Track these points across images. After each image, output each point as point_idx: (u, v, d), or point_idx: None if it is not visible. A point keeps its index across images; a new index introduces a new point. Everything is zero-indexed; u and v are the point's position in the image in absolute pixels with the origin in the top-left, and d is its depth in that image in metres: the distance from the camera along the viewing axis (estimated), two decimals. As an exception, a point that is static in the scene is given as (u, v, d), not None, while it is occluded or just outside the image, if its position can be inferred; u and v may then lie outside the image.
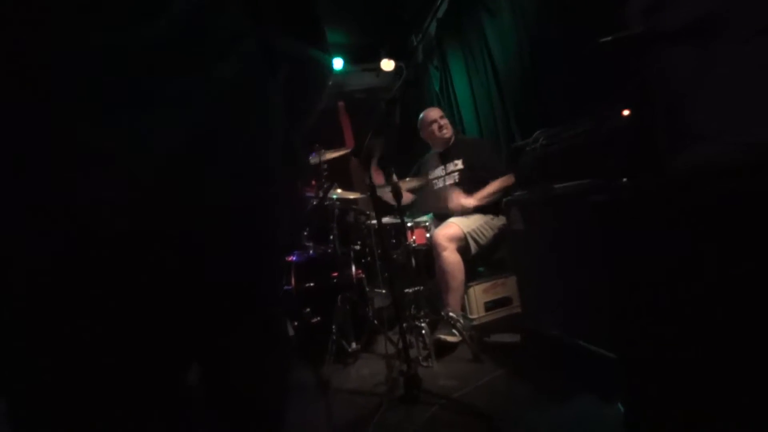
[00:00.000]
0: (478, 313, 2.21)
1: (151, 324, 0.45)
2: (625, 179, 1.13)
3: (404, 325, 1.58)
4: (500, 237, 2.18)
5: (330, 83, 0.73)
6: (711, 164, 0.67)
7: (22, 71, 0.35)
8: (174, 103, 0.40)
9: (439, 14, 3.26)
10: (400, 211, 1.77)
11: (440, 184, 2.40)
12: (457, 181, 2.31)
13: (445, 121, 2.38)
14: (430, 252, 2.14)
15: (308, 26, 0.62)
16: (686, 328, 0.84)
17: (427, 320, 1.89)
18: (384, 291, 2.30)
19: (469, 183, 2.24)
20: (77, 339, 0.41)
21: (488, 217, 2.17)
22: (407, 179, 2.12)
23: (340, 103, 4.35)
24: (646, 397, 0.97)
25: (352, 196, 2.40)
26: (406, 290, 1.96)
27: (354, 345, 1.96)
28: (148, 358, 0.47)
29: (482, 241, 2.13)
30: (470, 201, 2.16)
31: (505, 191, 2.14)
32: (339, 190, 2.32)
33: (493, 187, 2.18)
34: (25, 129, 0.35)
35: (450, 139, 2.38)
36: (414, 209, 2.57)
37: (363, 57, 4.05)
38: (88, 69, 0.36)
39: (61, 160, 0.36)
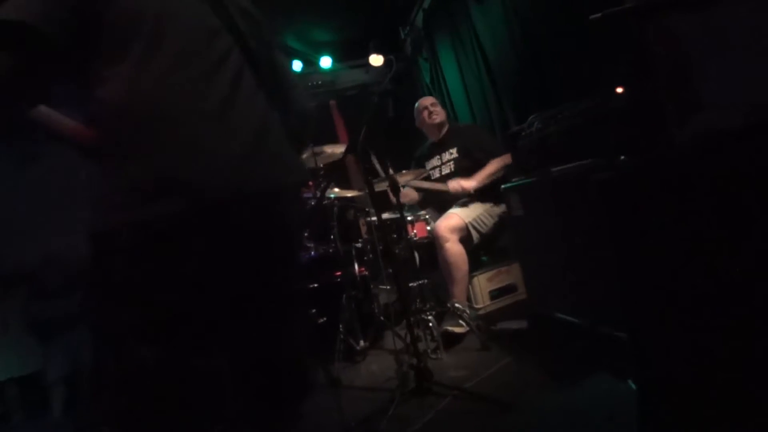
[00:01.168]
0: (483, 302, 2.21)
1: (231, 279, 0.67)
2: (623, 156, 1.12)
3: (411, 318, 1.58)
4: (501, 225, 2.17)
5: (314, 77, 0.95)
6: (721, 130, 0.66)
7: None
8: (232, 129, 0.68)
9: (425, 5, 3.24)
10: (399, 205, 1.76)
11: (437, 174, 2.39)
12: (453, 170, 2.30)
13: (436, 108, 2.37)
14: (431, 245, 2.13)
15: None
16: (697, 303, 0.84)
17: (433, 312, 1.89)
18: (388, 287, 2.29)
19: (465, 170, 2.23)
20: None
21: (488, 206, 2.16)
22: (404, 172, 2.11)
23: (332, 102, 4.33)
24: (657, 373, 0.97)
25: (350, 193, 2.39)
26: (411, 284, 1.96)
27: (362, 342, 1.96)
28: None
29: (483, 229, 2.12)
30: (471, 183, 2.14)
31: (504, 170, 2.13)
32: (337, 189, 2.30)
33: (491, 167, 2.17)
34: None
35: (443, 126, 2.36)
36: (417, 205, 2.56)
37: (352, 54, 4.02)
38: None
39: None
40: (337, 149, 2.04)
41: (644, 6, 0.73)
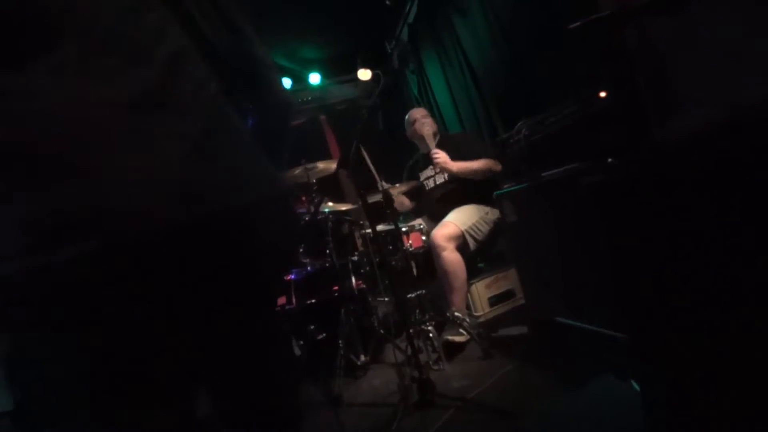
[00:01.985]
0: (483, 309, 2.20)
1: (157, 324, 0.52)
2: (611, 159, 1.14)
3: (411, 330, 1.57)
4: (497, 231, 2.18)
5: (292, 114, 0.82)
6: (700, 128, 0.67)
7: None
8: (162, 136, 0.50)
9: (410, 19, 3.30)
10: (393, 216, 1.77)
11: (431, 184, 2.40)
12: (447, 178, 2.32)
13: (426, 119, 2.39)
14: (428, 255, 2.13)
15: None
16: (694, 300, 0.84)
17: (433, 323, 1.88)
18: (386, 299, 2.28)
19: (459, 178, 2.24)
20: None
21: (483, 212, 2.17)
22: (397, 185, 2.12)
23: (322, 117, 4.37)
24: (660, 372, 0.96)
25: (344, 207, 2.39)
26: (409, 295, 1.95)
27: (363, 357, 1.94)
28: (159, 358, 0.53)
29: (479, 236, 2.13)
30: (450, 163, 2.13)
31: (490, 173, 2.12)
32: (330, 203, 2.31)
33: (478, 163, 2.15)
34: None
35: (434, 137, 2.39)
36: (412, 214, 2.57)
37: (340, 69, 4.09)
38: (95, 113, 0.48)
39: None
40: (330, 164, 2.06)
41: (619, 13, 0.76)
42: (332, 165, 2.03)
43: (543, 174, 1.50)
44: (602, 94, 1.23)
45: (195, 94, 0.54)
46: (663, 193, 0.81)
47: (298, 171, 2.01)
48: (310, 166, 2.00)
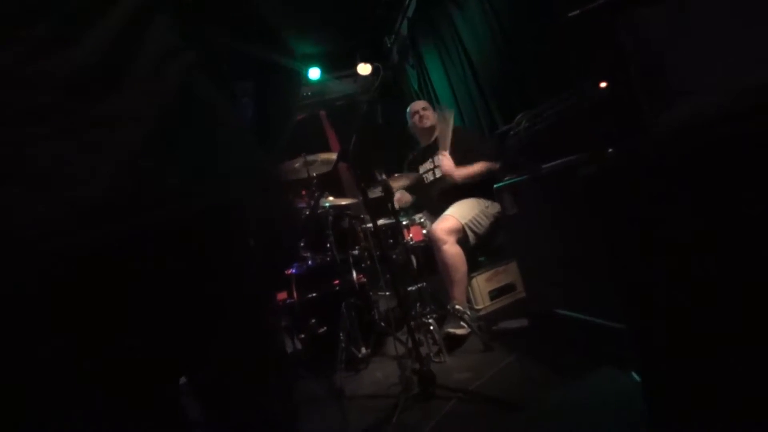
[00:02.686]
0: (483, 303, 2.21)
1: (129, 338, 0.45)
2: (611, 149, 1.14)
3: (411, 323, 1.57)
4: (497, 224, 2.18)
5: (303, 88, 0.73)
6: (694, 116, 0.67)
7: None
8: (107, 123, 0.40)
9: (409, 13, 3.29)
10: (394, 210, 1.77)
11: (431, 177, 2.40)
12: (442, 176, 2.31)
13: (427, 112, 2.39)
14: (428, 248, 2.13)
15: (268, 35, 0.63)
16: (694, 289, 0.84)
17: (434, 316, 1.88)
18: (387, 293, 2.28)
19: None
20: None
21: (483, 206, 2.17)
22: (396, 175, 2.12)
23: (322, 113, 4.36)
24: (660, 362, 0.97)
25: (344, 202, 2.39)
26: (410, 288, 1.96)
27: (364, 350, 1.94)
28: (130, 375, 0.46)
29: (480, 230, 2.13)
30: (459, 172, 2.16)
31: (489, 174, 2.13)
32: (331, 198, 2.31)
33: (479, 167, 2.17)
34: None
35: (434, 130, 2.38)
36: (411, 209, 2.57)
37: (340, 65, 4.07)
38: (20, 95, 0.37)
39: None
40: (331, 156, 2.05)
41: (613, 2, 0.75)
42: (333, 156, 2.03)
43: (543, 166, 1.49)
44: (602, 85, 1.23)
45: (159, 65, 0.44)
46: (658, 183, 0.81)
47: (297, 164, 2.01)
48: (311, 158, 2.00)
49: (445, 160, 2.18)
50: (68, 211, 0.38)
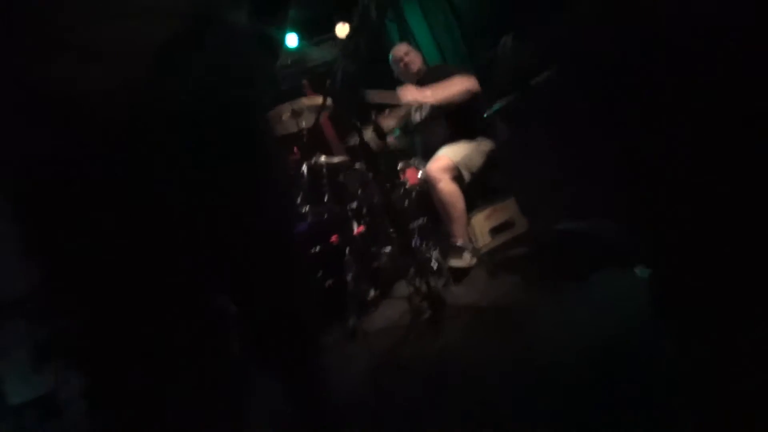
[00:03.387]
0: (483, 240, 2.23)
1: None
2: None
3: (417, 257, 1.58)
4: (490, 162, 2.19)
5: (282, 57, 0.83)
6: None
7: None
8: None
9: (383, -36, 3.19)
10: (388, 150, 1.77)
11: (417, 118, 2.38)
12: (429, 112, 2.29)
13: (410, 57, 2.35)
14: (425, 191, 2.14)
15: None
16: (700, 186, 0.85)
17: (437, 248, 1.91)
18: (389, 248, 2.28)
19: (440, 110, 2.20)
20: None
21: (475, 144, 2.17)
22: (386, 111, 2.09)
23: (305, 81, 4.28)
24: (669, 253, 0.98)
25: (336, 160, 2.38)
26: (411, 225, 1.97)
27: (372, 292, 1.98)
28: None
29: (473, 168, 2.14)
30: (425, 92, 2.04)
31: (468, 94, 2.08)
32: (323, 157, 2.29)
33: (451, 84, 2.06)
34: None
35: (419, 72, 2.35)
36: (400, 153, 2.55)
37: (317, 30, 3.97)
38: None
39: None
40: (315, 100, 2.02)
41: None
42: (317, 100, 2.00)
43: (532, 82, 1.49)
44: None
45: None
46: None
47: (285, 117, 1.99)
48: (297, 107, 1.97)
49: (407, 90, 2.02)
50: None
